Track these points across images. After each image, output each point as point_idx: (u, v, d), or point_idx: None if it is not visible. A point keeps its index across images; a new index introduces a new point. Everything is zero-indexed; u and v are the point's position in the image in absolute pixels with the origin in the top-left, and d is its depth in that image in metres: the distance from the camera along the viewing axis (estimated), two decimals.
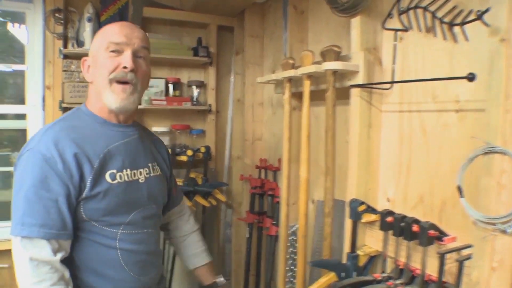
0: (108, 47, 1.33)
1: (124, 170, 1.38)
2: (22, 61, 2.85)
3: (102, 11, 2.81)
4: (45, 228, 1.20)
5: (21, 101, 2.89)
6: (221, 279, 1.75)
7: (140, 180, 1.43)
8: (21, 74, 2.93)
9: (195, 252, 1.75)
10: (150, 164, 1.50)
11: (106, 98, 1.34)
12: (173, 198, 1.72)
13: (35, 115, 2.74)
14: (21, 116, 2.81)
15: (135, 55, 1.36)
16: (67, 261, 1.28)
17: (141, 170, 1.45)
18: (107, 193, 1.30)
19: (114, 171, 1.34)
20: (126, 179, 1.38)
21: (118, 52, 1.34)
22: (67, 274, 1.23)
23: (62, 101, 2.70)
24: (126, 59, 1.33)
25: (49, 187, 1.22)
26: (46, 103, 2.72)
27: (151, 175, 1.49)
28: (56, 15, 2.69)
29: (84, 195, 1.26)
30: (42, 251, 1.19)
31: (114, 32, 1.35)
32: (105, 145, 1.35)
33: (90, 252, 1.32)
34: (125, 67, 1.32)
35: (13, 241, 1.21)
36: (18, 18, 2.82)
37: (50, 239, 1.20)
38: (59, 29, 2.71)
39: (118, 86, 1.33)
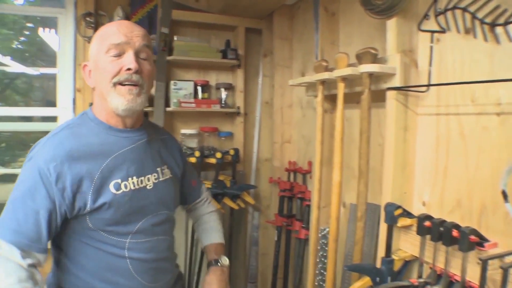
0: (108, 50, 1.27)
1: (130, 179, 1.33)
2: (50, 65, 2.90)
3: (131, 14, 2.84)
4: (18, 236, 1.17)
5: (47, 103, 2.95)
6: (224, 259, 1.66)
7: (148, 187, 1.38)
8: (47, 77, 2.99)
9: (206, 231, 1.74)
10: (158, 169, 1.45)
11: (112, 102, 1.28)
12: (194, 190, 1.73)
13: (65, 117, 2.77)
14: (48, 118, 2.86)
15: (137, 56, 1.30)
16: (79, 268, 1.29)
17: (149, 176, 1.40)
18: (112, 204, 1.27)
19: (119, 180, 1.30)
20: (132, 187, 1.33)
21: (119, 53, 1.28)
22: (38, 275, 1.19)
23: (92, 104, 2.72)
24: (128, 60, 1.27)
25: (34, 198, 1.19)
26: (76, 106, 2.75)
27: (160, 179, 1.44)
28: (87, 19, 2.72)
29: (88, 208, 1.24)
30: (12, 254, 1.16)
31: (113, 32, 1.29)
32: (108, 153, 1.31)
33: (100, 260, 1.30)
34: (129, 69, 1.26)
35: None
36: (49, 23, 2.88)
37: (21, 248, 1.16)
38: (90, 32, 2.74)
39: (123, 87, 1.27)
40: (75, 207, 1.23)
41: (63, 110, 2.77)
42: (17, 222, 1.17)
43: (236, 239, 3.27)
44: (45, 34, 2.95)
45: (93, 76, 1.34)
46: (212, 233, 1.72)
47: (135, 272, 1.34)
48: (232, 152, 2.94)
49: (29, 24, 2.95)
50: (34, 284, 1.16)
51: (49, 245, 1.25)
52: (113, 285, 1.32)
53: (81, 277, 1.30)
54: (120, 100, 1.27)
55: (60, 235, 1.29)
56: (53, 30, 2.87)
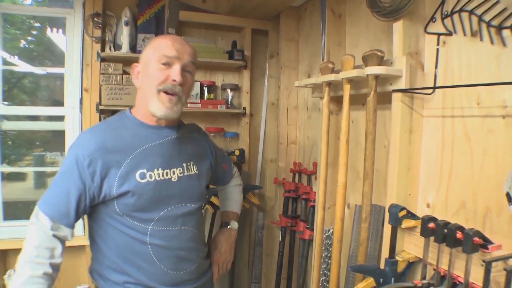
0: (160, 59, 1.45)
1: (156, 170, 1.48)
2: (57, 64, 2.92)
3: (139, 15, 2.87)
4: (51, 208, 1.39)
5: (54, 103, 2.97)
6: (234, 224, 1.92)
7: (173, 179, 1.52)
8: (54, 77, 3.01)
9: (227, 200, 2.00)
10: (184, 164, 1.59)
11: (153, 106, 1.46)
12: (225, 172, 1.93)
13: (72, 116, 2.81)
14: (54, 118, 2.89)
15: (183, 69, 1.48)
16: (108, 248, 1.48)
17: (175, 169, 1.54)
18: (136, 191, 1.42)
19: (145, 170, 1.45)
20: (157, 178, 1.47)
21: (169, 64, 1.45)
22: (57, 246, 1.40)
23: (99, 103, 2.75)
24: (175, 72, 1.45)
25: (68, 179, 1.40)
26: (83, 105, 2.78)
27: (185, 174, 1.58)
28: (95, 19, 2.75)
29: (114, 193, 1.41)
30: (44, 223, 1.38)
31: (167, 45, 1.46)
32: (138, 145, 1.47)
33: (126, 243, 1.46)
34: (174, 80, 1.44)
35: None
36: (57, 23, 2.90)
37: (52, 219, 1.38)
38: (97, 33, 2.77)
39: (165, 96, 1.46)
40: (102, 191, 1.41)
41: (70, 110, 2.80)
42: (52, 198, 1.41)
43: (241, 240, 3.28)
44: (53, 34, 2.97)
45: (141, 78, 1.52)
46: (231, 203, 1.99)
47: (156, 258, 1.48)
48: (237, 152, 2.96)
49: (37, 24, 2.97)
50: (49, 256, 1.37)
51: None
52: (136, 267, 1.47)
53: (110, 257, 1.48)
54: (160, 107, 1.46)
55: (95, 217, 1.50)
56: (61, 30, 2.89)
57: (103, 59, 2.79)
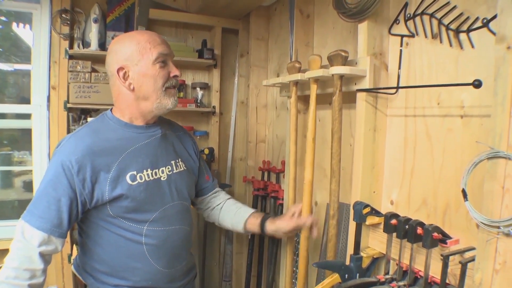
0: (157, 58, 1.45)
1: (145, 171, 1.48)
2: (24, 61, 2.87)
3: (108, 13, 2.84)
4: (41, 221, 1.33)
5: (22, 100, 2.91)
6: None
7: (162, 178, 1.53)
8: (21, 73, 2.95)
9: (237, 211, 1.86)
10: (172, 161, 1.59)
11: (162, 103, 1.49)
12: (208, 184, 1.87)
13: (40, 114, 2.75)
14: (22, 116, 2.83)
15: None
16: (102, 252, 1.46)
17: (163, 168, 1.54)
18: (129, 194, 1.41)
19: (134, 172, 1.45)
20: (147, 178, 1.47)
21: (165, 62, 1.49)
22: (39, 267, 1.34)
23: (67, 101, 2.71)
24: (174, 68, 1.51)
25: (57, 188, 1.34)
26: (51, 103, 2.73)
27: (174, 171, 1.58)
28: (63, 15, 2.71)
29: (107, 197, 1.39)
30: (31, 239, 1.32)
31: (159, 43, 1.48)
32: (125, 147, 1.46)
33: (120, 246, 1.45)
34: (176, 76, 1.51)
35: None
36: (23, 18, 2.84)
37: (43, 232, 1.33)
38: (65, 29, 2.73)
39: (172, 90, 1.52)
40: (94, 197, 1.38)
41: (38, 108, 2.75)
42: (42, 210, 1.34)
43: (211, 238, 3.28)
44: (19, 29, 2.91)
45: (135, 80, 1.46)
46: (244, 208, 1.88)
47: (151, 258, 1.48)
48: (207, 151, 2.96)
49: (2, 18, 2.90)
50: (29, 277, 1.31)
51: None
52: (130, 270, 1.47)
53: (105, 261, 1.47)
54: (171, 101, 1.50)
55: (86, 222, 1.47)
56: (28, 26, 2.84)
57: (71, 57, 2.75)
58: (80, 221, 1.48)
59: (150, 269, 1.49)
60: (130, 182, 1.42)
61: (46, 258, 1.37)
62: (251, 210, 1.85)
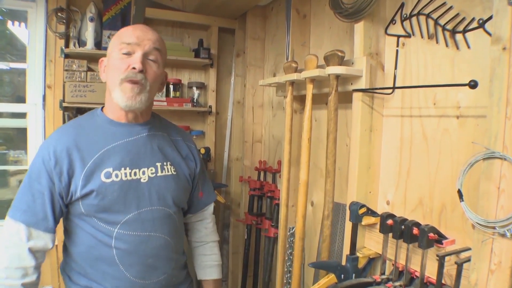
0: (120, 48, 1.36)
1: (123, 169, 1.39)
2: (20, 59, 2.85)
3: (104, 11, 2.83)
4: (26, 215, 1.32)
5: (17, 99, 2.90)
6: None
7: (142, 180, 1.41)
8: (17, 72, 2.94)
9: (205, 264, 1.71)
10: (158, 164, 1.47)
11: (116, 97, 1.36)
12: (197, 201, 1.68)
13: (35, 113, 2.74)
14: (17, 115, 2.82)
15: (145, 57, 1.38)
16: (76, 252, 1.40)
17: (145, 169, 1.43)
18: (100, 191, 1.34)
19: (110, 169, 1.37)
20: (124, 177, 1.38)
21: (130, 53, 1.36)
22: (30, 264, 1.32)
23: (62, 101, 2.69)
24: (135, 60, 1.35)
25: (40, 181, 1.33)
26: (46, 102, 2.71)
27: (158, 174, 1.45)
28: (59, 14, 2.69)
29: (78, 193, 1.33)
30: (18, 234, 1.31)
31: (127, 33, 1.39)
32: (105, 143, 1.39)
33: (91, 247, 1.38)
34: (134, 68, 1.34)
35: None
36: (19, 16, 2.83)
37: (28, 226, 1.31)
38: (61, 28, 2.71)
39: (127, 85, 1.35)
40: (69, 191, 1.34)
41: (33, 107, 2.73)
42: (26, 204, 1.33)
43: None
44: (14, 27, 2.90)
45: (106, 72, 1.43)
46: (211, 268, 1.71)
47: (120, 263, 1.38)
48: (203, 151, 2.95)
49: None
50: (21, 276, 1.30)
51: None
52: (100, 273, 1.38)
53: (78, 261, 1.41)
54: (122, 96, 1.35)
55: (66, 218, 1.43)
56: (23, 24, 2.83)
57: (67, 55, 2.73)
58: (61, 216, 1.43)
59: (120, 276, 1.38)
60: (104, 179, 1.35)
61: (36, 255, 1.34)
62: (212, 277, 1.71)
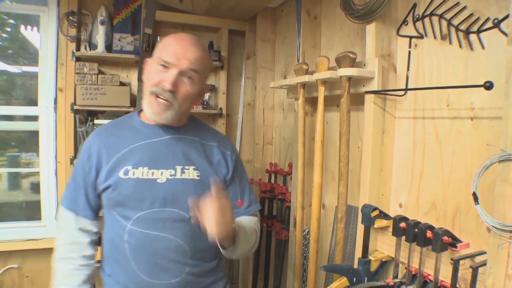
0: (158, 61, 1.38)
1: (140, 168, 1.43)
2: (31, 63, 2.88)
3: (115, 14, 2.85)
4: (70, 203, 1.49)
5: (29, 102, 2.92)
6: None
7: (158, 180, 1.43)
8: (29, 75, 2.96)
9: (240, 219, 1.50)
10: (178, 167, 1.45)
11: (144, 106, 1.44)
12: (236, 209, 1.54)
13: (47, 116, 2.76)
14: (29, 118, 2.84)
15: (180, 75, 1.37)
16: (105, 238, 1.52)
17: (163, 170, 1.44)
18: (117, 186, 1.42)
19: (129, 167, 1.43)
20: (140, 176, 1.42)
21: (167, 67, 1.36)
22: (84, 240, 1.48)
23: (74, 103, 2.71)
24: (168, 79, 1.35)
25: (79, 173, 1.49)
26: (58, 105, 2.74)
27: (177, 177, 1.44)
28: (70, 18, 2.72)
29: (101, 186, 1.45)
30: (68, 219, 1.48)
31: (169, 48, 1.38)
32: (129, 143, 1.46)
33: (112, 236, 1.48)
34: (163, 85, 1.35)
35: None
36: (31, 21, 2.85)
37: (73, 211, 1.48)
38: (72, 31, 2.74)
39: (155, 99, 1.38)
40: (96, 184, 1.46)
41: (45, 110, 2.76)
42: (69, 193, 1.52)
43: None
44: (27, 32, 2.92)
45: (145, 74, 1.47)
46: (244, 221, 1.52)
47: (131, 258, 1.43)
48: None
49: (11, 21, 2.92)
50: (79, 249, 1.47)
51: None
52: (117, 264, 1.47)
53: (105, 248, 1.52)
54: (149, 109, 1.41)
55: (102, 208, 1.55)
56: (35, 28, 2.85)
57: (78, 59, 2.76)
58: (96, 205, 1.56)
59: (131, 271, 1.41)
60: (121, 175, 1.43)
61: (87, 233, 1.50)
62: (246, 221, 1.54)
